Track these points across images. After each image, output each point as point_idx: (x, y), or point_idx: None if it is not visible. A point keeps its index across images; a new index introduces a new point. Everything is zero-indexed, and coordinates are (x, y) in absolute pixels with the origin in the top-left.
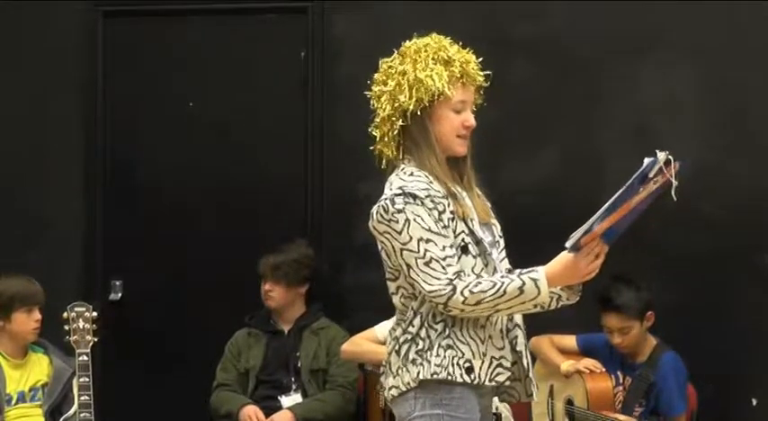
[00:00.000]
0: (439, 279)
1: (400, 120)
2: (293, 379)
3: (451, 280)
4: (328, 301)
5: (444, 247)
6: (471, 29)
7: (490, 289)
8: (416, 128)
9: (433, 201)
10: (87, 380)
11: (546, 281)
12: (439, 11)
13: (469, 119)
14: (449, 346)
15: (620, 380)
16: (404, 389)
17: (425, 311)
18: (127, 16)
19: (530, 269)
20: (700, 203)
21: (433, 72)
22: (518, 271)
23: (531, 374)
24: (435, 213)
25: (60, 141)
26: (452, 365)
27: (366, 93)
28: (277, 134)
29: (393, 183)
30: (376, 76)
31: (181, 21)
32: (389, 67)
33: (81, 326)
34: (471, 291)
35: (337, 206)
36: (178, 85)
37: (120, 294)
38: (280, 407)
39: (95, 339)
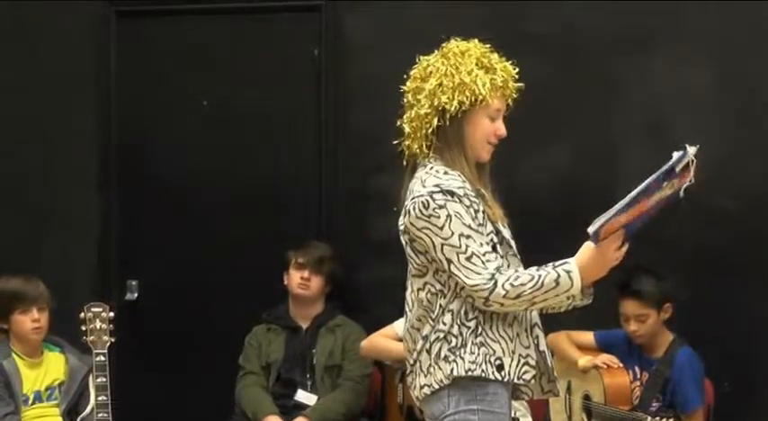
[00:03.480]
0: (480, 274)
1: (437, 119)
2: (308, 375)
3: (493, 274)
4: (344, 299)
5: (482, 244)
6: (484, 25)
7: (529, 282)
8: (452, 129)
9: (469, 199)
10: (104, 380)
11: (578, 272)
12: (452, 7)
13: (502, 128)
14: (482, 344)
15: (638, 376)
16: (437, 386)
17: (456, 309)
18: (140, 16)
19: (562, 261)
20: (714, 197)
21: (477, 77)
22: (551, 264)
23: (553, 372)
24: (472, 211)
25: (75, 141)
26: (486, 363)
27: (401, 87)
28: (291, 132)
29: (427, 181)
30: (414, 71)
31: (194, 20)
32: (428, 64)
33: (98, 327)
34: (512, 285)
35: (351, 203)
36: (192, 84)
37: (136, 294)
38: (295, 405)
39: (112, 339)
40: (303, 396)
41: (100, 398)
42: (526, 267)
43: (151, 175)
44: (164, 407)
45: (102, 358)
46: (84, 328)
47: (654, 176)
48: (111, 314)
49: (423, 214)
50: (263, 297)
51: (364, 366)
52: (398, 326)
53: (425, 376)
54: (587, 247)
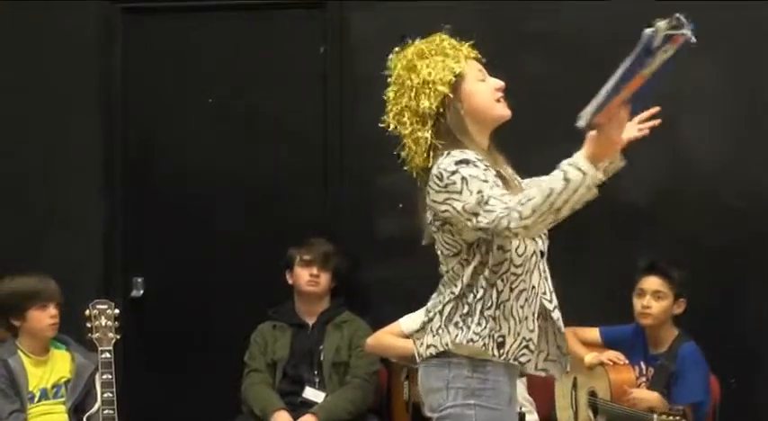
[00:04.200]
0: (496, 209)
1: (431, 122)
2: (315, 372)
3: (507, 205)
4: (350, 296)
5: (501, 189)
6: (486, 25)
7: (538, 194)
8: (451, 117)
9: (485, 165)
10: (110, 377)
11: (585, 160)
12: (457, 6)
13: (497, 81)
14: (491, 318)
15: (644, 371)
16: (441, 348)
17: (477, 278)
18: (145, 13)
19: (568, 160)
20: (720, 194)
21: (437, 65)
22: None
23: (559, 351)
24: (490, 173)
25: (80, 138)
26: (489, 337)
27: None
28: (296, 130)
29: (445, 163)
30: (386, 114)
31: (199, 17)
32: (392, 98)
33: (103, 324)
34: (522, 203)
35: (357, 201)
36: (197, 81)
37: (141, 291)
38: (303, 402)
39: (117, 336)
40: (311, 393)
41: (105, 395)
42: None
43: (156, 173)
44: (168, 404)
45: (108, 355)
46: (89, 325)
47: (631, 60)
48: (117, 311)
49: (440, 186)
50: (269, 295)
51: (371, 363)
52: (404, 323)
53: (433, 336)
54: (589, 137)
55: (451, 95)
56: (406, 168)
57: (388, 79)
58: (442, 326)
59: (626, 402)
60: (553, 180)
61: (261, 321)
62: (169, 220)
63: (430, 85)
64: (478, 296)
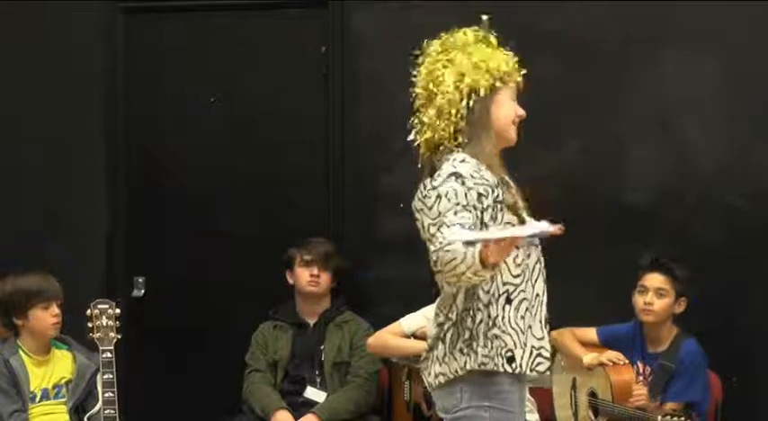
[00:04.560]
0: (436, 241)
1: (465, 102)
2: (317, 372)
3: (443, 242)
4: (351, 296)
5: (463, 217)
6: (491, 23)
7: (453, 251)
8: (480, 111)
9: (475, 183)
10: (111, 376)
11: (479, 254)
12: (459, 5)
13: (520, 109)
14: (495, 336)
15: (640, 370)
16: (451, 376)
17: (470, 302)
18: (145, 13)
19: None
20: (721, 194)
21: (494, 56)
22: None
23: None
24: (474, 193)
25: (83, 139)
26: (498, 356)
27: (408, 86)
28: (298, 129)
29: (443, 171)
30: (421, 72)
31: (201, 16)
32: (436, 61)
33: (104, 324)
34: (447, 250)
35: (359, 200)
36: (199, 81)
37: (142, 291)
38: (304, 402)
39: (119, 336)
40: (312, 393)
41: (106, 395)
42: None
43: (158, 172)
44: (169, 404)
45: (109, 355)
46: (90, 325)
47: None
48: (118, 310)
49: (420, 196)
50: (270, 294)
51: (373, 363)
52: (405, 323)
53: (440, 365)
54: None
55: (490, 91)
56: (412, 138)
57: (439, 53)
58: (448, 353)
59: (630, 403)
60: (459, 248)
61: (261, 321)
62: (171, 220)
63: (483, 67)
64: (477, 319)
